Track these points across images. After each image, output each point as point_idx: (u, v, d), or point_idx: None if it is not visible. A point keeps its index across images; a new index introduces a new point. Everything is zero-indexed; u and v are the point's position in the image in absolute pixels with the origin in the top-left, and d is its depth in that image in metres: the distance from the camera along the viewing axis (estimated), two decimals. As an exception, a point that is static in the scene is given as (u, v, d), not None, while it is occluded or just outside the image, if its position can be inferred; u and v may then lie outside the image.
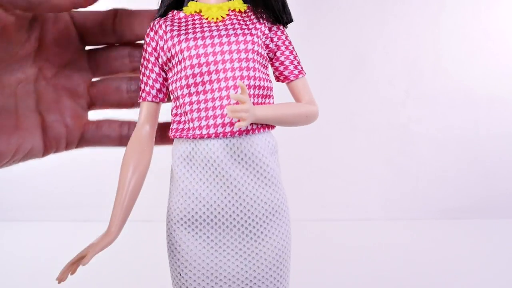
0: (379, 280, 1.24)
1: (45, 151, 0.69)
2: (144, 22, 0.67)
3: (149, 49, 0.62)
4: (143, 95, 0.63)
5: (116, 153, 2.19)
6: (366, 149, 1.92)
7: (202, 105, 0.58)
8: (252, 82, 0.59)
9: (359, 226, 1.74)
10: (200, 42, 0.58)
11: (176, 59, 0.59)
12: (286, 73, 0.65)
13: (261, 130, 0.61)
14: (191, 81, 0.58)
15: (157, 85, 0.63)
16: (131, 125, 0.74)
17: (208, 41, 0.58)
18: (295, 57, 0.65)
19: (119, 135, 0.74)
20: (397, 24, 1.89)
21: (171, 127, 0.62)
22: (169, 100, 0.65)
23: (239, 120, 0.54)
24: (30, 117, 0.65)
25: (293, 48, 0.65)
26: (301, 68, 0.66)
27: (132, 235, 1.69)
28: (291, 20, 0.65)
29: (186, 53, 0.58)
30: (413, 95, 1.90)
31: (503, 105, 1.88)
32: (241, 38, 0.59)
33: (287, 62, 0.64)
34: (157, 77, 0.62)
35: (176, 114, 0.62)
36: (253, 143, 0.60)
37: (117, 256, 1.47)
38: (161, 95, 0.64)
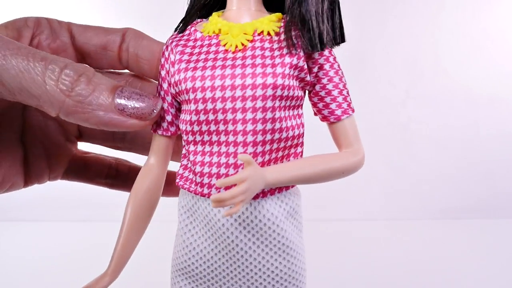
0: (379, 279, 1.24)
1: (25, 185, 0.65)
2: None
3: (163, 73, 0.52)
4: (154, 126, 0.54)
5: (116, 154, 2.19)
6: (366, 149, 1.90)
7: (207, 159, 0.48)
8: (269, 126, 0.46)
9: (359, 226, 1.74)
10: (208, 72, 0.45)
11: (182, 98, 0.49)
12: (325, 112, 0.53)
13: (276, 193, 0.50)
14: (196, 128, 0.48)
15: (169, 117, 0.53)
16: (119, 167, 0.68)
17: (218, 71, 0.45)
18: (340, 92, 0.51)
19: (105, 178, 0.68)
20: (397, 24, 1.89)
21: (177, 171, 0.54)
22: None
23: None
24: (12, 151, 0.60)
25: (340, 79, 0.51)
26: (347, 106, 0.52)
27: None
28: (342, 41, 0.51)
29: (192, 95, 0.46)
30: (413, 95, 1.90)
31: (503, 105, 1.88)
32: (259, 69, 0.45)
33: (328, 99, 0.52)
34: (169, 107, 0.52)
35: (184, 156, 0.53)
36: (262, 209, 0.49)
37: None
38: (173, 129, 0.54)
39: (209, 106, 0.46)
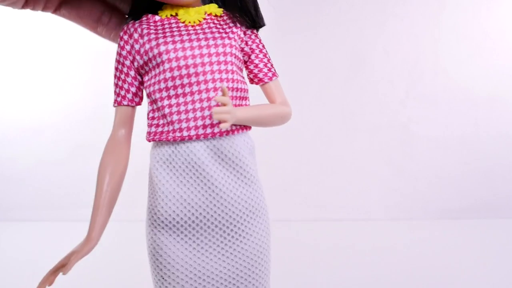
0: (380, 279, 1.24)
1: (23, 6, 0.64)
2: None
3: (124, 53, 0.62)
4: (118, 99, 0.63)
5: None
6: (366, 149, 1.92)
7: (182, 108, 0.58)
8: (230, 84, 0.60)
9: (359, 226, 1.74)
10: (179, 45, 0.58)
11: (154, 62, 0.59)
12: (260, 75, 0.65)
13: (240, 131, 0.62)
14: (170, 83, 0.58)
15: (133, 89, 0.62)
16: (113, 16, 0.68)
17: (187, 44, 0.58)
18: (268, 60, 0.65)
19: (97, 21, 0.68)
20: (397, 24, 1.89)
21: (148, 130, 0.62)
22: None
23: (220, 122, 0.55)
24: None
25: (266, 51, 0.65)
26: (274, 70, 0.66)
27: (132, 235, 1.69)
28: (263, 25, 0.66)
29: (165, 56, 0.58)
30: (413, 95, 1.90)
31: (503, 105, 1.88)
32: (219, 41, 0.59)
33: (261, 65, 0.64)
34: (133, 80, 0.62)
35: (153, 118, 0.62)
36: (233, 144, 0.61)
37: (116, 256, 1.47)
38: (137, 99, 0.63)
39: (184, 71, 0.58)
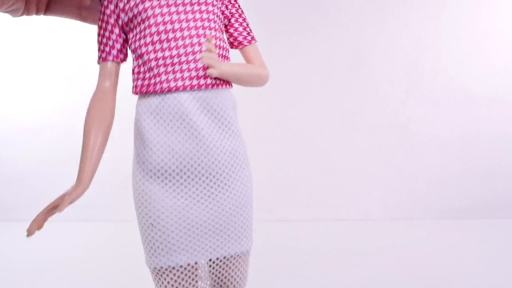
0: (380, 279, 1.24)
1: (23, 12, 0.65)
2: None
3: (108, 11, 0.64)
4: (103, 55, 0.64)
5: (117, 153, 2.19)
6: (366, 149, 1.92)
7: (168, 60, 0.61)
8: (213, 41, 0.62)
9: (359, 226, 1.74)
10: (163, 2, 0.61)
11: (139, 18, 0.62)
12: (240, 38, 0.68)
13: (224, 86, 0.64)
14: (156, 38, 0.61)
15: (118, 45, 0.64)
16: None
17: (171, 1, 0.61)
18: (247, 25, 0.68)
19: (79, 7, 0.70)
20: (397, 24, 1.89)
21: (134, 84, 0.64)
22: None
23: (207, 70, 0.60)
24: None
25: (245, 16, 0.68)
26: (253, 35, 0.69)
27: (132, 235, 1.69)
28: None
29: (150, 12, 0.61)
30: (413, 95, 1.91)
31: (503, 105, 1.88)
32: (203, 6, 0.63)
33: (240, 29, 0.67)
34: (118, 37, 0.64)
35: (139, 72, 0.63)
36: (218, 97, 0.64)
37: (117, 255, 1.47)
38: (121, 55, 0.65)
39: (168, 26, 0.61)
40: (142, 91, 0.63)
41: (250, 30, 0.68)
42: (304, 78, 1.90)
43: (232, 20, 0.67)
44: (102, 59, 0.65)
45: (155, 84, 0.62)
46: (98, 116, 0.65)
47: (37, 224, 0.59)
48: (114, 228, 1.74)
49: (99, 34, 0.65)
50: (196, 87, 0.62)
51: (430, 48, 1.89)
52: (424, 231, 1.67)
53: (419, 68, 1.90)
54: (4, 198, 1.95)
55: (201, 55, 0.59)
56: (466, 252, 1.45)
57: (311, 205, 1.88)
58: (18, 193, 1.95)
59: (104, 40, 0.64)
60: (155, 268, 0.64)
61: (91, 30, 2.07)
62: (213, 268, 0.67)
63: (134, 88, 0.64)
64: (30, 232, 0.58)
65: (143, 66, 0.63)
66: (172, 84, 0.61)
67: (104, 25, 0.64)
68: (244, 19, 0.68)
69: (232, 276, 0.69)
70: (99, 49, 0.65)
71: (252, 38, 0.68)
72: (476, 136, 1.88)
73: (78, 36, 1.94)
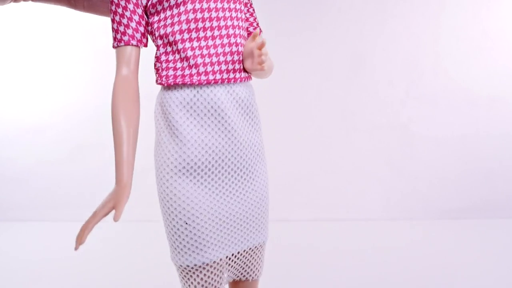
0: (380, 279, 1.24)
1: None
2: None
3: None
4: (125, 38, 0.58)
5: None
6: (366, 149, 1.92)
7: (205, 51, 0.58)
8: (243, 33, 0.63)
9: (359, 226, 1.74)
10: None
11: (172, 1, 0.57)
12: (251, 29, 0.68)
13: (250, 79, 0.65)
14: (192, 25, 0.58)
15: (141, 28, 0.59)
16: None
17: None
18: (256, 16, 0.70)
19: None
20: (397, 24, 1.89)
21: (164, 74, 0.60)
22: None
23: (241, 69, 0.61)
24: None
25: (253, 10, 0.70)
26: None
27: (132, 235, 1.69)
28: None
29: None
30: (413, 95, 1.90)
31: (503, 105, 1.88)
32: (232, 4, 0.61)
33: (251, 19, 0.69)
34: (140, 19, 0.58)
35: (168, 61, 0.60)
36: (247, 90, 0.64)
37: (117, 255, 1.47)
38: (145, 40, 0.60)
39: (206, 14, 0.58)
40: (177, 82, 0.59)
41: (258, 23, 0.70)
42: (303, 78, 1.90)
43: (248, 6, 0.68)
44: (124, 43, 0.59)
45: (191, 75, 0.59)
46: (126, 112, 0.59)
47: (82, 238, 0.55)
48: (114, 228, 1.73)
49: (116, 14, 0.58)
50: (232, 80, 0.61)
51: (430, 48, 1.88)
52: (424, 231, 1.67)
53: (419, 68, 1.90)
54: (4, 198, 1.95)
55: (263, 52, 0.58)
56: (466, 252, 1.45)
57: (311, 205, 1.88)
58: (18, 193, 1.95)
59: (125, 21, 0.58)
60: (188, 266, 0.62)
61: (91, 31, 2.08)
62: (234, 260, 0.67)
63: (164, 78, 0.60)
64: (80, 243, 0.55)
65: (176, 54, 0.59)
66: (211, 77, 0.59)
67: (124, 3, 0.57)
68: (254, 10, 0.69)
69: (250, 267, 0.69)
70: (117, 31, 0.59)
71: (260, 29, 0.68)
72: (476, 136, 1.88)
73: (79, 36, 1.94)
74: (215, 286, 0.65)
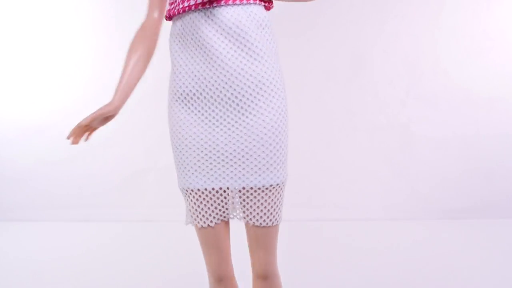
0: (380, 279, 1.24)
1: None
2: None
3: None
4: None
5: (117, 154, 2.18)
6: (367, 149, 1.91)
7: None
8: None
9: (359, 226, 1.74)
10: None
11: None
12: None
13: (243, 2, 0.63)
14: None
15: None
16: None
17: None
18: None
19: None
20: (397, 24, 1.89)
21: (167, 8, 0.67)
22: None
23: None
24: None
25: None
26: None
27: (132, 235, 1.69)
28: None
29: None
30: (413, 95, 1.90)
31: (503, 105, 1.88)
32: None
33: None
34: None
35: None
36: (234, 14, 0.62)
37: (117, 255, 1.47)
38: None
39: None
40: (170, 14, 0.66)
41: None
42: (304, 78, 1.90)
43: None
44: None
45: (175, 6, 0.65)
46: (141, 48, 0.67)
47: (76, 134, 0.65)
48: (114, 228, 1.74)
49: None
50: (207, 4, 0.62)
51: (430, 48, 1.88)
52: (424, 231, 1.67)
53: (419, 68, 1.90)
54: (4, 198, 1.95)
55: None
56: (467, 251, 1.45)
57: (311, 205, 1.88)
58: (18, 193, 1.95)
59: None
60: (183, 189, 0.66)
61: (91, 31, 2.08)
62: (244, 199, 0.64)
63: (167, 12, 0.67)
64: (75, 140, 0.66)
65: None
66: (186, 3, 0.63)
67: None
68: None
69: (257, 211, 0.65)
70: None
71: None
72: (476, 136, 1.88)
73: (79, 36, 1.94)
74: (208, 216, 0.65)
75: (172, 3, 0.65)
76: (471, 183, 1.87)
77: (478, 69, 1.87)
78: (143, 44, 0.67)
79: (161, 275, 1.29)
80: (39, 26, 1.93)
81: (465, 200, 1.85)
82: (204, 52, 0.63)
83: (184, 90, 0.65)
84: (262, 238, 0.67)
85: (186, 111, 0.64)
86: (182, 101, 0.65)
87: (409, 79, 1.90)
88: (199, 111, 0.64)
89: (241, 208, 0.65)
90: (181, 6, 0.63)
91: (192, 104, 0.65)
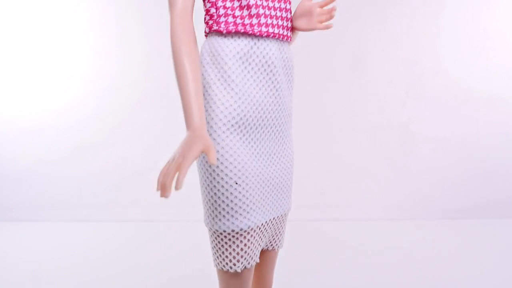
0: (380, 279, 1.24)
1: None
2: None
3: None
4: None
5: (117, 154, 2.19)
6: (367, 149, 1.91)
7: (265, 3, 0.59)
8: None
9: (359, 226, 1.74)
10: None
11: None
12: None
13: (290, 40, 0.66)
14: None
15: None
16: None
17: None
18: None
19: None
20: (397, 24, 1.89)
21: (219, 20, 0.57)
22: None
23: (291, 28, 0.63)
24: None
25: None
26: None
27: (131, 235, 1.69)
28: None
29: None
30: (413, 95, 1.90)
31: (503, 105, 1.88)
32: None
33: None
34: None
35: (227, 7, 0.58)
36: (290, 50, 0.65)
37: (116, 255, 1.47)
38: None
39: None
40: (239, 29, 0.57)
41: None
42: (303, 78, 1.90)
43: None
44: None
45: (252, 25, 0.58)
46: (186, 49, 0.56)
47: (180, 183, 0.47)
48: (114, 228, 1.74)
49: None
50: (284, 38, 0.62)
51: (430, 48, 1.88)
52: (424, 231, 1.67)
53: (419, 68, 1.90)
54: (4, 198, 1.95)
55: (334, 6, 0.61)
56: (467, 251, 1.45)
57: (311, 205, 1.88)
58: (18, 193, 1.95)
59: None
60: (233, 231, 0.58)
61: (91, 31, 2.07)
62: (266, 228, 0.65)
63: (219, 25, 0.58)
64: (167, 194, 0.47)
65: (236, 1, 0.58)
66: (270, 29, 0.60)
67: None
68: None
69: (277, 236, 0.69)
70: None
71: None
72: (476, 136, 1.88)
73: (79, 36, 1.94)
74: (255, 254, 0.61)
75: (235, 16, 0.56)
76: (471, 183, 1.87)
77: (478, 69, 1.87)
78: (195, 44, 0.57)
79: (161, 275, 1.29)
80: (39, 26, 1.93)
81: (465, 200, 1.85)
82: (272, 81, 0.61)
83: (242, 118, 0.58)
84: (274, 261, 0.71)
85: (244, 142, 0.59)
86: (241, 131, 0.58)
87: (409, 79, 1.90)
88: (254, 142, 0.61)
89: (271, 236, 0.68)
90: (264, 29, 0.58)
91: (250, 135, 0.59)
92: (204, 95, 0.58)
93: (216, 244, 0.60)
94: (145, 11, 1.91)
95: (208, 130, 0.58)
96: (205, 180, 0.59)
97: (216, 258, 0.61)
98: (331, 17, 0.61)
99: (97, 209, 1.89)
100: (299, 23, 0.63)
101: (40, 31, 1.93)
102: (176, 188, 0.47)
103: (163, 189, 0.47)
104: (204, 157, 0.59)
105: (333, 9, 0.60)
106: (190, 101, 0.54)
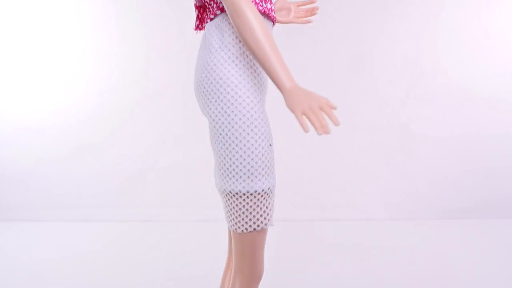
0: (380, 279, 1.24)
1: None
2: None
3: None
4: None
5: (117, 154, 2.18)
6: (367, 149, 1.91)
7: None
8: None
9: (359, 226, 1.74)
10: None
11: None
12: None
13: None
14: None
15: None
16: None
17: None
18: None
19: None
20: (397, 24, 1.89)
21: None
22: None
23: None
24: None
25: None
26: None
27: (132, 235, 1.69)
28: None
29: None
30: (413, 95, 1.90)
31: (503, 105, 1.88)
32: None
33: None
34: None
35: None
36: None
37: (117, 255, 1.47)
38: None
39: None
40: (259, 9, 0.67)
41: None
42: (303, 78, 1.89)
43: None
44: None
45: (260, 3, 0.67)
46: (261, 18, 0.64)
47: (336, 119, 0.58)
48: (114, 228, 1.74)
49: None
50: (275, 19, 0.72)
51: (430, 48, 1.88)
52: (424, 231, 1.67)
53: (419, 68, 1.90)
54: (4, 198, 1.95)
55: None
56: (467, 252, 1.45)
57: (311, 205, 1.88)
58: (18, 193, 1.95)
59: None
60: (268, 189, 0.66)
61: (91, 31, 2.07)
62: None
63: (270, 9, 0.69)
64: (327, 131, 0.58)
65: None
66: (270, 6, 0.68)
67: None
68: None
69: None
70: None
71: None
72: (476, 136, 1.88)
73: (79, 36, 1.94)
74: (272, 215, 0.67)
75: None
76: (471, 183, 1.87)
77: (478, 69, 1.87)
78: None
79: (161, 275, 1.29)
80: (39, 26, 1.93)
81: (465, 200, 1.85)
82: None
83: (258, 81, 0.70)
84: None
85: (262, 106, 0.69)
86: (261, 96, 0.70)
87: (409, 79, 1.90)
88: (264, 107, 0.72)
89: None
90: (269, 5, 0.68)
91: (263, 100, 0.71)
92: (227, 68, 0.66)
93: (244, 205, 0.65)
94: (145, 11, 1.90)
95: (244, 100, 0.65)
96: (236, 145, 0.65)
97: (241, 221, 0.65)
98: (311, 14, 0.68)
99: (97, 209, 1.89)
100: (278, 15, 0.74)
101: (40, 31, 1.93)
102: (337, 124, 0.58)
103: (325, 128, 0.59)
104: (229, 122, 0.65)
105: (315, 8, 0.72)
106: (282, 60, 0.63)
